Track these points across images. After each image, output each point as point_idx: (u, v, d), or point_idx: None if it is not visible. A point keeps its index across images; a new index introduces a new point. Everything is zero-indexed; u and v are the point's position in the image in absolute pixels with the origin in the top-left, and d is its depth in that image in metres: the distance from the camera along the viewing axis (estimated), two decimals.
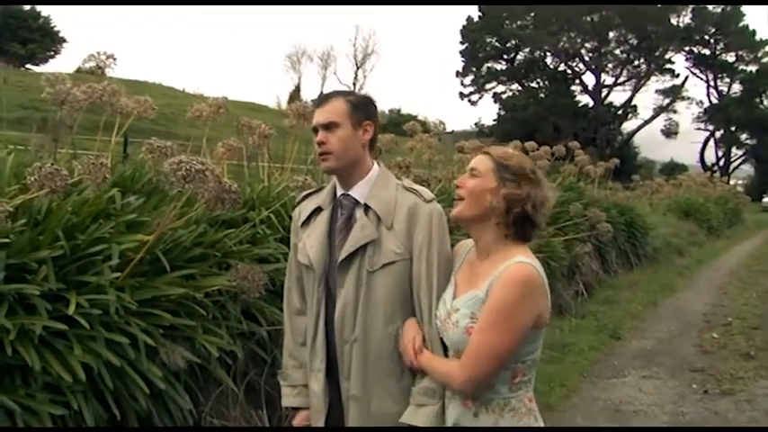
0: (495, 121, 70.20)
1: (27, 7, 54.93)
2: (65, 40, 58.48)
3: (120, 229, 4.06)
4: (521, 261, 2.49)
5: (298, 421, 3.00)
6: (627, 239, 14.41)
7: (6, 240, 3.53)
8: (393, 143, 6.72)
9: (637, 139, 70.92)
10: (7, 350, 3.23)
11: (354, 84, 72.19)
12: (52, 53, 57.83)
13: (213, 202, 3.86)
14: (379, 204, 2.75)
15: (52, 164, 3.52)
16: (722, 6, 64.86)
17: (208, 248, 4.47)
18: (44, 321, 3.34)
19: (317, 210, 2.91)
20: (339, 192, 2.88)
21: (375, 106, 2.92)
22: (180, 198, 3.96)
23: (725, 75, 69.36)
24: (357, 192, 2.82)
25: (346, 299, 2.75)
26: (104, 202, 4.17)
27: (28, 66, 53.37)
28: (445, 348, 2.66)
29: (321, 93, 3.01)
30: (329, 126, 2.75)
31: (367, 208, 2.77)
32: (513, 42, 68.68)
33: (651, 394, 6.59)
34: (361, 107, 2.82)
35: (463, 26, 69.61)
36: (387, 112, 59.49)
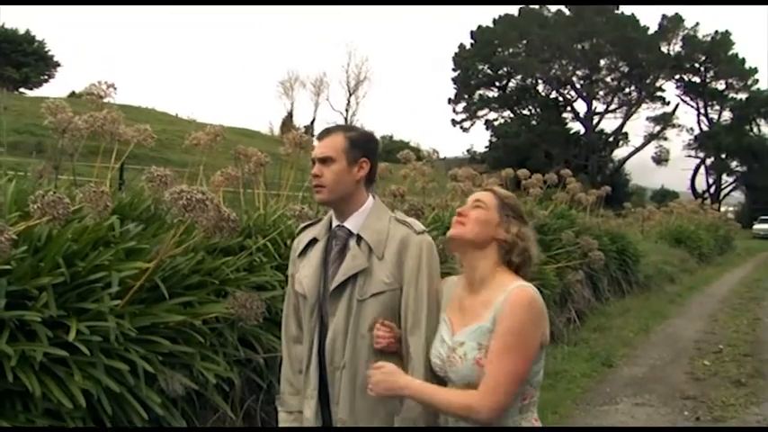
0: (486, 147, 70.40)
1: (21, 31, 55.07)
2: (59, 65, 58.56)
3: (119, 256, 4.11)
4: (522, 285, 2.56)
5: None
6: (618, 267, 14.46)
7: (8, 267, 3.57)
8: (387, 171, 6.78)
9: (628, 166, 71.23)
10: (8, 376, 3.26)
11: (347, 110, 72.35)
12: (46, 77, 57.91)
13: (212, 230, 3.91)
14: (371, 235, 2.82)
15: (54, 192, 3.57)
16: (711, 34, 65.44)
17: (205, 276, 4.52)
18: (45, 348, 3.38)
19: (313, 241, 2.98)
20: (335, 223, 2.94)
21: (375, 143, 3.00)
22: (179, 226, 4.01)
23: (715, 102, 69.80)
24: (351, 223, 2.88)
25: (336, 327, 2.81)
26: (105, 229, 4.22)
27: (22, 89, 53.41)
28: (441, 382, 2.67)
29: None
30: (325, 160, 2.81)
31: (359, 238, 2.84)
32: (505, 70, 69.04)
33: (643, 421, 6.62)
34: (360, 144, 2.87)
35: (455, 53, 70.04)
36: (379, 138, 59.55)
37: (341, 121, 69.86)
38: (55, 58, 58.29)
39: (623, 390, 7.72)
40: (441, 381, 2.67)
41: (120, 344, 3.63)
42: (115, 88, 4.48)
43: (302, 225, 3.16)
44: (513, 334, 2.46)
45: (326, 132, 2.91)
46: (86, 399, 3.38)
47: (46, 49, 57.23)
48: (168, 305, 4.07)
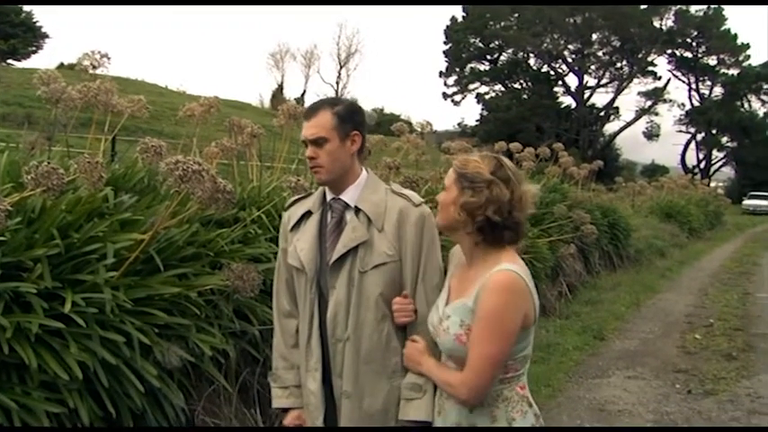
0: (477, 121, 70.44)
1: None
2: (47, 36, 58.09)
3: (114, 227, 4.09)
4: (502, 269, 2.54)
5: (288, 421, 3.04)
6: (609, 241, 14.50)
7: (2, 238, 3.54)
8: (382, 144, 6.75)
9: (618, 140, 71.32)
10: (4, 348, 3.24)
11: (338, 82, 72.04)
12: (34, 48, 57.47)
13: (208, 202, 3.89)
14: (370, 207, 2.82)
15: (48, 162, 3.54)
16: (704, 9, 65.34)
17: (200, 248, 4.50)
18: (40, 319, 3.36)
19: (307, 214, 2.96)
20: (329, 196, 2.94)
21: (362, 114, 2.96)
22: (174, 197, 3.98)
23: (706, 78, 69.80)
24: (347, 196, 2.88)
25: (338, 299, 2.80)
26: (99, 200, 4.19)
27: (9, 61, 53.00)
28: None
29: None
30: (317, 141, 2.79)
31: (357, 210, 2.84)
32: (497, 43, 68.82)
33: (635, 394, 6.67)
34: (348, 118, 2.85)
35: (447, 26, 69.73)
36: (372, 111, 59.44)
37: (332, 94, 69.60)
38: (43, 29, 57.82)
39: (615, 363, 7.77)
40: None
41: (116, 315, 3.61)
42: (109, 58, 4.43)
43: (292, 199, 3.15)
44: (490, 319, 2.50)
45: (313, 111, 2.86)
46: (83, 371, 3.36)
47: (34, 20, 56.76)
48: (163, 277, 4.04)
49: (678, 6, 65.17)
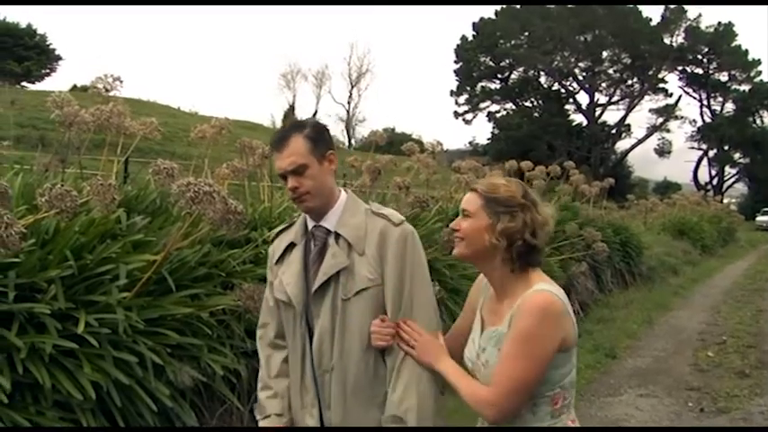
0: (488, 140, 70.66)
1: (23, 25, 55.11)
2: (60, 58, 58.72)
3: (126, 248, 4.13)
4: (539, 290, 2.44)
5: None
6: (622, 259, 14.46)
7: (16, 260, 3.59)
8: (392, 164, 6.79)
9: (630, 158, 71.30)
10: (18, 368, 3.28)
11: (349, 102, 72.35)
12: (48, 71, 58.00)
13: (219, 223, 3.93)
14: (349, 231, 2.73)
15: (62, 185, 3.58)
16: (714, 26, 65.40)
17: (212, 268, 4.54)
18: (54, 340, 3.40)
19: (291, 246, 2.87)
20: (311, 224, 2.84)
21: (328, 131, 2.87)
22: (186, 218, 4.02)
23: (718, 94, 69.86)
24: (328, 222, 2.78)
25: (322, 328, 2.71)
26: (111, 222, 4.23)
27: (23, 83, 53.48)
28: None
29: (314, 115, 2.77)
30: (297, 170, 2.68)
31: (337, 236, 2.75)
32: (507, 61, 69.10)
33: (648, 412, 6.64)
34: (319, 138, 2.76)
35: (457, 45, 70.09)
36: (381, 131, 59.52)
37: (344, 114, 69.77)
38: (56, 52, 58.39)
39: (627, 381, 7.73)
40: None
41: (129, 336, 3.65)
42: (121, 81, 4.49)
43: (275, 231, 3.05)
44: (522, 340, 2.38)
45: (283, 141, 2.74)
46: (96, 391, 3.39)
47: (47, 43, 57.35)
48: (176, 297, 4.08)
49: (688, 23, 65.26)
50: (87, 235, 4.08)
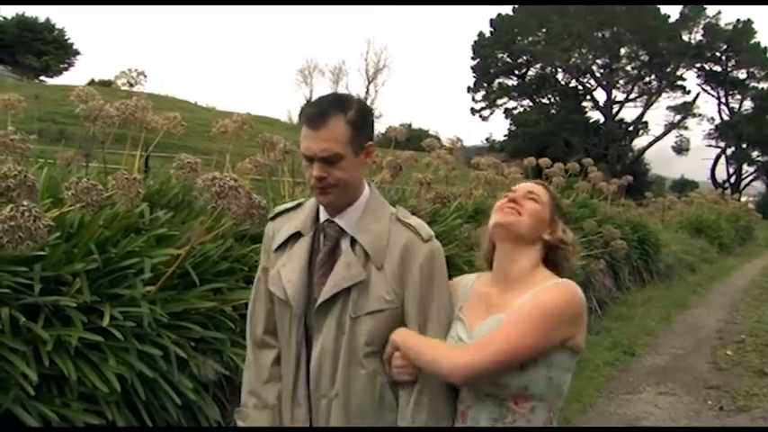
0: (505, 136, 70.19)
1: (42, 19, 55.44)
2: (78, 53, 58.98)
3: (150, 243, 4.16)
4: (564, 281, 2.36)
5: None
6: (639, 256, 14.43)
7: (42, 253, 3.62)
8: (413, 160, 6.80)
9: (647, 155, 70.86)
10: (44, 361, 3.31)
11: (366, 98, 72.27)
12: (66, 65, 58.30)
13: (243, 217, 3.95)
14: (370, 239, 2.39)
15: (88, 179, 3.61)
16: (733, 23, 65.00)
17: (235, 263, 4.57)
18: (80, 333, 3.42)
19: (296, 235, 2.51)
20: (323, 216, 2.48)
21: (373, 116, 2.54)
22: (209, 213, 4.05)
23: (736, 91, 69.26)
24: (344, 220, 2.44)
25: (324, 347, 2.39)
26: (136, 216, 4.26)
27: (42, 77, 53.79)
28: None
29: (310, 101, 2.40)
30: (330, 159, 2.31)
31: (354, 241, 2.41)
32: (525, 58, 68.80)
33: (667, 410, 6.64)
34: (363, 126, 2.40)
35: (475, 42, 69.79)
36: (400, 126, 59.55)
37: None
38: (74, 46, 58.66)
39: (646, 378, 7.73)
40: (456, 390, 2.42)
41: (153, 329, 3.68)
42: (145, 76, 4.52)
43: (278, 209, 2.68)
44: (537, 309, 2.23)
45: (321, 119, 2.33)
46: (120, 383, 3.42)
47: (66, 37, 57.63)
48: (199, 291, 4.11)
49: (707, 20, 64.88)
50: (111, 229, 4.11)
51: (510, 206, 2.46)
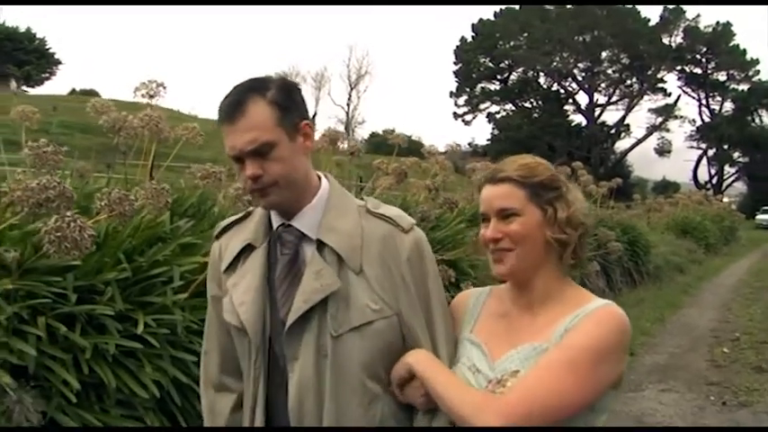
0: (488, 140, 70.77)
1: (22, 29, 55.33)
2: (60, 62, 58.88)
3: (176, 251, 4.23)
4: (610, 303, 1.96)
5: None
6: (630, 258, 14.60)
7: (75, 263, 3.69)
8: (417, 166, 6.90)
9: (629, 157, 71.59)
10: (84, 369, 3.38)
11: (348, 104, 72.45)
12: (47, 75, 58.20)
13: None
14: (339, 239, 1.98)
15: (119, 189, 3.69)
16: (713, 26, 65.71)
17: None
18: (117, 340, 3.50)
19: (247, 248, 2.10)
20: (276, 221, 2.07)
21: (300, 91, 2.08)
22: None
23: (716, 93, 70.28)
24: (304, 221, 2.03)
25: (303, 379, 1.95)
26: (161, 225, 4.34)
27: (24, 87, 53.64)
28: None
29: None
30: (260, 151, 1.91)
31: (321, 245, 2.00)
32: (507, 62, 69.41)
33: (671, 407, 6.79)
34: (290, 104, 1.99)
35: (457, 46, 70.33)
36: (381, 132, 59.77)
37: (343, 117, 69.79)
38: (56, 56, 58.56)
39: (647, 377, 7.87)
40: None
41: (185, 336, 3.76)
42: (165, 88, 4.59)
43: (223, 224, 2.27)
44: (590, 350, 1.82)
45: (236, 108, 1.94)
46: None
47: (47, 47, 57.53)
48: None
49: (687, 23, 65.59)
50: (137, 238, 4.18)
51: (495, 254, 2.01)
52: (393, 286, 1.97)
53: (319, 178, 2.11)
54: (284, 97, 1.97)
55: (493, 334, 2.04)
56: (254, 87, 1.96)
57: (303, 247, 2.02)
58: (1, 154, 4.92)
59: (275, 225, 2.07)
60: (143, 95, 4.54)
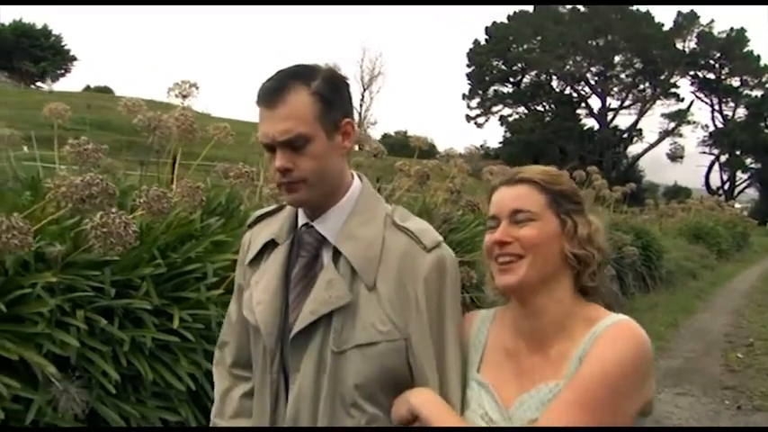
0: (500, 143, 70.82)
1: (39, 26, 55.66)
2: (75, 59, 59.20)
3: (208, 248, 4.33)
4: (624, 319, 1.78)
5: None
6: (643, 262, 14.64)
7: (113, 258, 3.79)
8: (439, 169, 6.97)
9: (641, 162, 71.53)
10: (122, 361, 3.48)
11: (361, 105, 72.47)
12: (63, 71, 58.52)
13: None
14: (357, 249, 1.86)
15: (157, 187, 3.79)
16: (727, 31, 65.62)
17: None
18: (153, 333, 3.59)
19: (271, 244, 2.03)
20: (301, 220, 1.98)
21: (348, 87, 1.96)
22: None
23: (730, 99, 70.13)
24: (326, 224, 1.92)
25: (301, 390, 1.88)
26: (194, 223, 4.43)
27: (39, 84, 53.98)
28: None
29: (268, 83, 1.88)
30: (293, 143, 1.80)
31: (337, 253, 1.88)
32: (520, 66, 69.48)
33: (687, 410, 6.86)
34: (335, 98, 1.87)
35: (470, 49, 70.40)
36: (393, 134, 59.92)
37: (355, 117, 69.94)
38: (71, 52, 58.89)
39: (662, 381, 7.89)
40: None
41: (219, 331, 3.84)
42: (197, 88, 4.67)
43: (258, 213, 2.18)
44: (598, 381, 1.63)
45: (276, 94, 1.82)
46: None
47: (63, 43, 57.86)
48: None
49: (701, 28, 65.50)
50: (169, 235, 4.28)
51: (501, 262, 1.82)
52: (405, 309, 1.82)
53: (352, 177, 1.98)
54: (329, 90, 1.85)
55: (501, 372, 1.84)
56: (299, 74, 1.85)
57: (323, 250, 1.92)
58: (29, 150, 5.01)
59: (300, 223, 1.97)
60: (176, 95, 4.63)
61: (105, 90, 54.34)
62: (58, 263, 3.36)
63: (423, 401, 1.79)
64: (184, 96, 4.61)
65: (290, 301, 1.91)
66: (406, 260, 1.83)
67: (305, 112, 1.79)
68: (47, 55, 55.23)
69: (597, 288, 1.85)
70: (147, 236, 4.14)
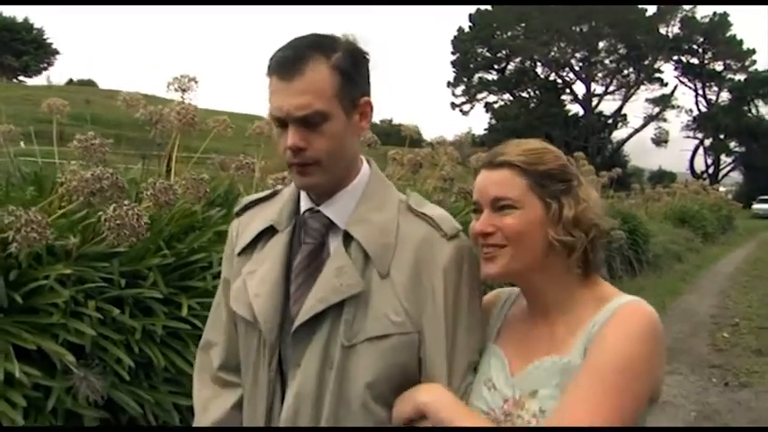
0: (486, 130, 70.85)
1: (20, 19, 55.33)
2: (58, 52, 58.87)
3: (212, 239, 4.45)
4: (636, 300, 1.74)
5: None
6: (630, 246, 14.81)
7: (120, 250, 3.91)
8: (430, 157, 7.08)
9: (626, 147, 71.85)
10: (135, 349, 3.60)
11: None
12: (45, 65, 58.21)
13: None
14: (370, 234, 1.73)
15: (162, 180, 3.91)
16: (710, 16, 65.93)
17: None
18: (164, 322, 3.71)
19: (269, 231, 1.86)
20: (304, 204, 1.82)
21: (368, 64, 1.79)
22: None
23: (713, 83, 70.57)
24: (334, 209, 1.77)
25: (302, 389, 1.71)
26: (197, 214, 4.55)
27: (21, 78, 53.71)
28: None
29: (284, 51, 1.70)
30: (310, 120, 1.65)
31: (348, 237, 1.75)
32: (504, 52, 69.53)
33: (676, 387, 7.05)
34: (354, 74, 1.72)
35: (454, 36, 70.38)
36: (378, 122, 59.96)
37: None
38: (53, 46, 58.57)
39: None
40: None
41: None
42: (196, 82, 4.76)
43: (247, 200, 2.01)
44: (620, 365, 1.56)
45: (296, 64, 1.66)
46: None
47: (45, 37, 57.50)
48: None
49: (684, 13, 65.80)
50: (174, 226, 4.39)
51: (484, 251, 1.76)
52: (420, 299, 1.70)
53: (362, 162, 1.84)
54: (350, 65, 1.70)
55: (512, 344, 1.79)
56: (319, 45, 1.69)
57: (330, 237, 1.77)
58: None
59: (303, 208, 1.81)
60: (175, 90, 4.71)
61: (89, 83, 54.06)
62: (73, 255, 3.47)
63: (433, 399, 1.68)
64: (183, 90, 4.69)
65: (292, 293, 1.75)
66: (423, 247, 1.71)
67: (324, 87, 1.64)
68: (29, 49, 54.91)
69: (597, 261, 1.80)
70: (153, 227, 4.27)
